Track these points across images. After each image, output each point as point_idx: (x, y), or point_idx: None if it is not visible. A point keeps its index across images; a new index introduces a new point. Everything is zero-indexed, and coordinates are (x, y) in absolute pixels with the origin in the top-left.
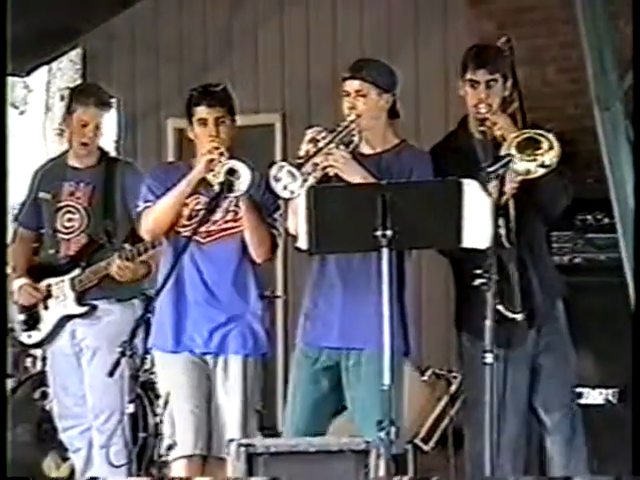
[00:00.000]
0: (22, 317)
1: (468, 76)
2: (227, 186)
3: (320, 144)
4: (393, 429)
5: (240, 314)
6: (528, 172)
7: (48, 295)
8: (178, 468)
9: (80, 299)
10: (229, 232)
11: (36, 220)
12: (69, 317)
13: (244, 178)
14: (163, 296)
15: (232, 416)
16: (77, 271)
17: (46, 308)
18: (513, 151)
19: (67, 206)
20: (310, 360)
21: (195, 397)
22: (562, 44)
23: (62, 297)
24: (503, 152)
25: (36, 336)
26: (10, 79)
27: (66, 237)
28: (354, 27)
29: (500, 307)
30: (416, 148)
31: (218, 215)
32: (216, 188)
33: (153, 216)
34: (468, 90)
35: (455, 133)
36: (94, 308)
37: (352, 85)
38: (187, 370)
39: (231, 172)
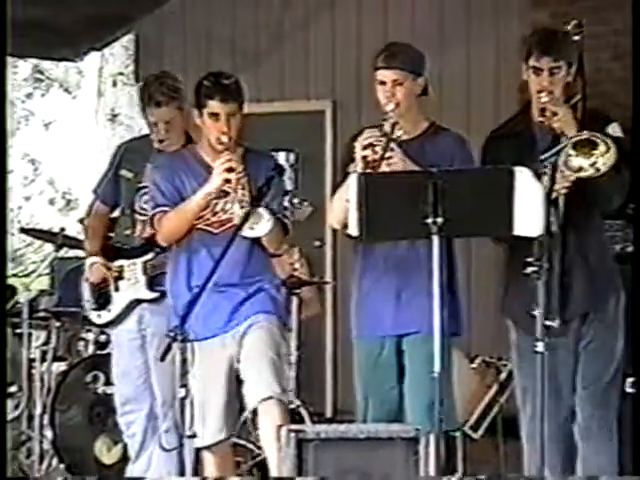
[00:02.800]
0: (92, 296)
1: (531, 62)
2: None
3: (378, 149)
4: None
5: (259, 288)
6: (580, 170)
7: (120, 276)
8: (206, 457)
9: (151, 284)
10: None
11: (114, 196)
12: (139, 301)
13: (263, 224)
14: (179, 286)
15: (264, 368)
16: (151, 255)
17: (117, 290)
18: (569, 150)
19: (147, 187)
20: (375, 351)
21: (219, 382)
22: (616, 31)
23: (134, 280)
24: (560, 145)
25: (105, 316)
26: (64, 64)
27: (143, 218)
28: (406, 18)
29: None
30: (452, 132)
31: (229, 204)
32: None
33: (169, 227)
34: (531, 76)
35: (515, 118)
36: (164, 295)
37: (388, 75)
38: (210, 355)
39: (253, 214)
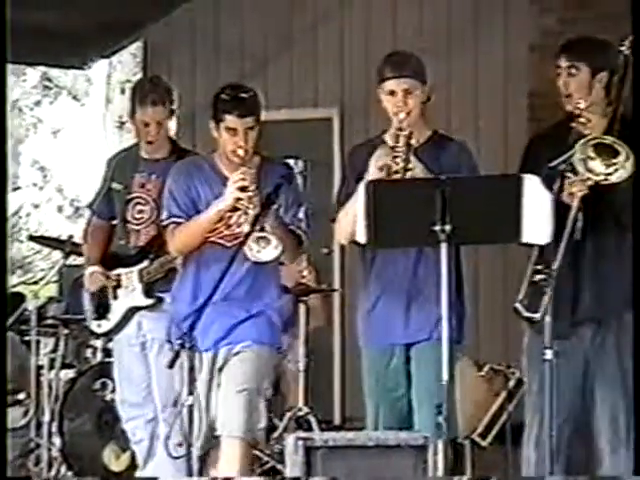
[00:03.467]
0: (92, 306)
1: (559, 63)
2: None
3: (400, 165)
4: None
5: (261, 310)
6: (598, 175)
7: (118, 285)
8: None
9: (147, 291)
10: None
11: (108, 210)
12: (136, 308)
13: (269, 250)
14: (186, 296)
15: (237, 403)
16: (145, 262)
17: (115, 298)
18: (590, 151)
19: (138, 197)
20: (385, 360)
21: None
22: (624, 38)
23: (130, 288)
24: (577, 149)
25: (105, 325)
26: (72, 72)
27: (136, 228)
28: (413, 22)
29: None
30: (457, 141)
31: (243, 218)
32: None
33: (182, 239)
34: (564, 77)
35: (559, 124)
36: (160, 301)
37: (399, 84)
38: (207, 367)
39: (260, 239)
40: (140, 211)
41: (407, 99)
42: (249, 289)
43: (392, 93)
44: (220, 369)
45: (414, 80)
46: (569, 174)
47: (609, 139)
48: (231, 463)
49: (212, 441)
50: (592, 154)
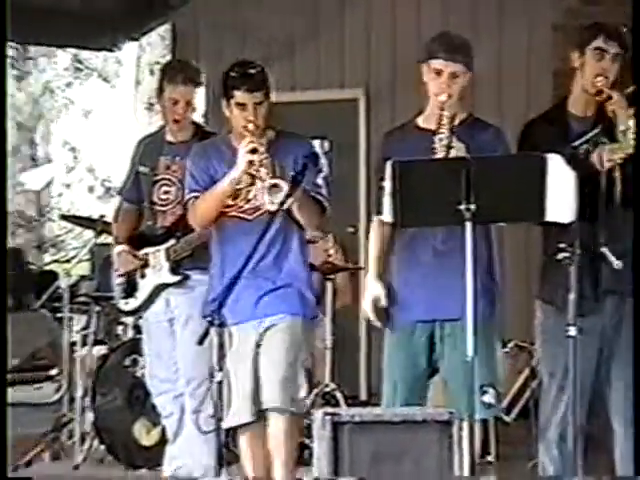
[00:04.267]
0: (121, 285)
1: (596, 44)
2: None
3: (444, 142)
4: (493, 392)
5: (288, 282)
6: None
7: (145, 264)
8: (240, 439)
9: (174, 269)
10: (265, 209)
11: (137, 194)
12: (164, 286)
13: (282, 194)
14: (217, 272)
15: (277, 373)
16: (172, 241)
17: (143, 277)
18: (631, 122)
19: (163, 179)
20: (405, 336)
21: (247, 368)
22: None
23: (158, 266)
24: (619, 124)
25: (133, 303)
26: (102, 54)
27: (162, 209)
28: (438, 5)
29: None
30: (492, 126)
31: (261, 191)
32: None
33: (200, 212)
34: (591, 61)
35: (552, 111)
36: (187, 278)
37: (448, 67)
38: (240, 341)
39: (273, 186)
40: (166, 192)
41: (452, 82)
42: (275, 261)
43: (439, 73)
44: (258, 344)
45: (462, 65)
46: (605, 142)
47: None
48: (278, 436)
49: (257, 415)
50: (632, 126)
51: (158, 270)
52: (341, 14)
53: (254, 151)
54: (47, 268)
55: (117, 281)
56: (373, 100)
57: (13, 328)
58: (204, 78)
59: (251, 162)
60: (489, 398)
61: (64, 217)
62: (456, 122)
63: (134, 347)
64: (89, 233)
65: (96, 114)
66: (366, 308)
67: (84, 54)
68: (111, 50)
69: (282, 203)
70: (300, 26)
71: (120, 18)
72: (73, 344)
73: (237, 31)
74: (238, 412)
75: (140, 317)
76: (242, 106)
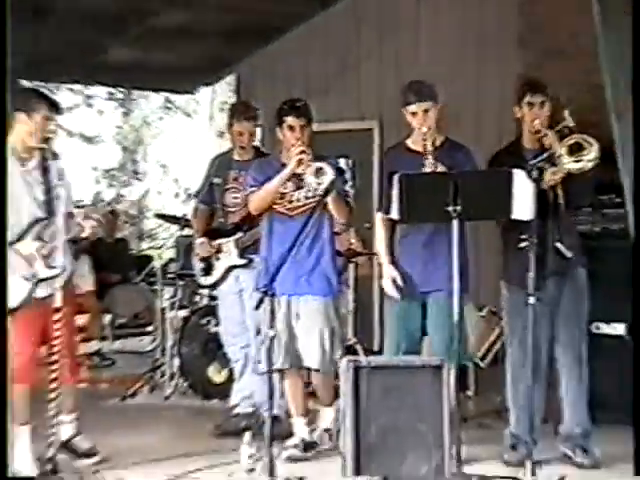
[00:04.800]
0: (201, 266)
1: (527, 99)
2: (313, 179)
3: (430, 159)
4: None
5: (320, 265)
6: (569, 170)
7: (219, 250)
8: (285, 380)
9: (241, 254)
10: (308, 207)
11: (210, 198)
12: (234, 267)
13: (328, 175)
14: (267, 255)
15: (316, 341)
16: (240, 234)
17: (218, 260)
18: (563, 151)
19: (232, 188)
20: (404, 303)
21: (285, 330)
22: (588, 70)
23: (229, 252)
24: (554, 151)
25: (210, 279)
26: (185, 96)
27: (232, 210)
28: (433, 59)
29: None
30: (462, 145)
31: (302, 194)
32: (307, 180)
33: (257, 200)
34: (526, 110)
35: (511, 145)
36: (251, 261)
37: (421, 106)
38: (281, 309)
39: (318, 169)
40: (234, 197)
41: (426, 116)
42: (309, 248)
43: (414, 114)
44: (297, 313)
45: (430, 102)
46: (548, 167)
47: (576, 137)
48: (317, 385)
49: (298, 365)
50: (564, 153)
51: (229, 255)
52: (358, 65)
53: (303, 152)
54: (145, 253)
55: (198, 264)
56: (384, 129)
57: (121, 296)
58: (261, 114)
59: (301, 160)
60: (456, 349)
61: (157, 216)
62: (437, 143)
63: (208, 311)
64: (175, 227)
65: (180, 140)
66: (386, 287)
67: (172, 96)
68: (192, 93)
69: (326, 191)
70: (329, 74)
71: (199, 70)
72: (164, 309)
73: (284, 77)
74: (279, 360)
75: (215, 289)
76: (292, 128)
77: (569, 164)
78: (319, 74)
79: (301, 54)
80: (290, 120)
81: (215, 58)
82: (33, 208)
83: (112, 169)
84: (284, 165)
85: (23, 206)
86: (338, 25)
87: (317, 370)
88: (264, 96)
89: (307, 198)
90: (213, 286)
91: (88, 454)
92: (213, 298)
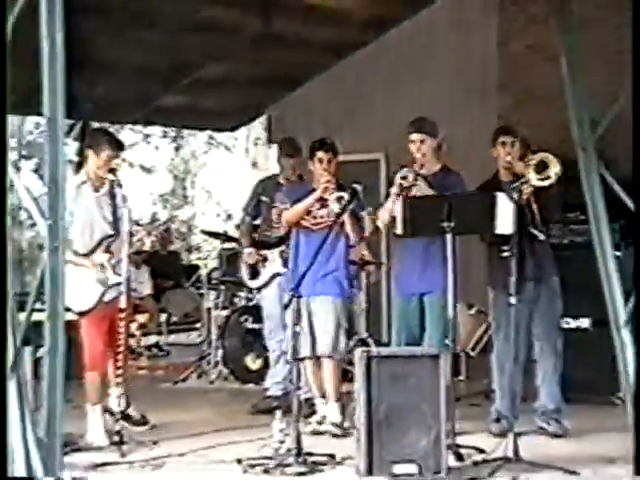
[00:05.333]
0: (248, 272)
1: (500, 139)
2: (335, 204)
3: (410, 179)
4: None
5: (335, 272)
6: (536, 185)
7: (265, 259)
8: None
9: (284, 263)
10: (328, 224)
11: (255, 212)
12: (277, 274)
13: (345, 199)
14: (294, 264)
15: (327, 332)
16: (283, 247)
17: (263, 267)
18: (531, 169)
19: (277, 206)
20: (406, 302)
21: (307, 324)
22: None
23: (274, 261)
24: (523, 174)
25: (257, 283)
26: (226, 133)
27: (277, 225)
28: (432, 101)
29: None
30: (455, 172)
31: (325, 213)
32: (330, 205)
33: (289, 216)
34: (500, 149)
35: (492, 179)
36: None
37: (417, 137)
38: (303, 305)
39: (339, 197)
40: (279, 215)
41: (421, 146)
42: (327, 257)
43: (413, 142)
44: (315, 311)
45: (425, 134)
46: (524, 188)
47: (540, 156)
48: (329, 372)
49: (312, 353)
50: (533, 172)
51: (273, 263)
52: (368, 106)
53: (329, 181)
54: (193, 263)
55: (246, 269)
56: (390, 160)
57: (174, 299)
58: (302, 150)
59: (327, 188)
60: (449, 341)
61: (203, 232)
62: (430, 170)
63: (245, 310)
64: (217, 242)
65: (221, 170)
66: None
67: (215, 134)
68: (231, 131)
69: (343, 210)
70: (344, 113)
71: (237, 112)
72: (209, 309)
73: (307, 117)
74: (302, 350)
75: (250, 292)
76: (320, 161)
77: (535, 180)
78: (335, 114)
79: (321, 97)
80: (319, 154)
81: (250, 102)
82: (104, 227)
83: (165, 194)
84: (314, 190)
85: (96, 225)
86: (351, 73)
87: (328, 357)
88: (291, 132)
89: (329, 216)
90: (259, 289)
91: (141, 422)
92: (249, 300)
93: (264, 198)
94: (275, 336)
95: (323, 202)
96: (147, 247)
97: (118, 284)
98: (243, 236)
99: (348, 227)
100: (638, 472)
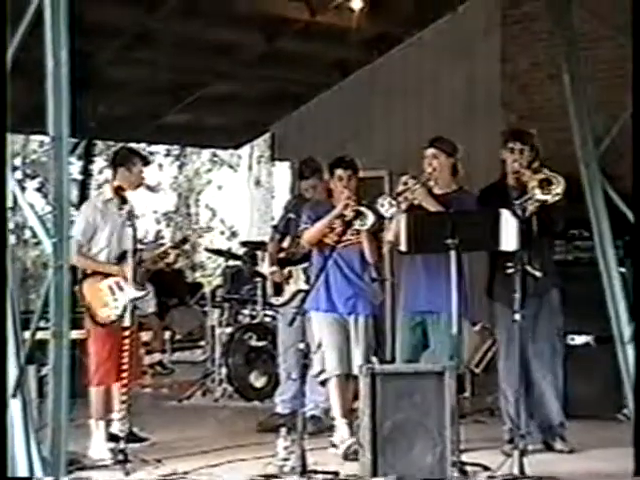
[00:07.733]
0: (273, 289)
1: (509, 145)
2: (357, 221)
3: (409, 184)
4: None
5: (363, 290)
6: (540, 200)
7: (289, 276)
8: (332, 383)
9: (308, 281)
10: (353, 242)
11: (284, 229)
12: (300, 291)
13: (368, 218)
14: (320, 279)
15: (360, 350)
16: (307, 264)
17: (287, 284)
18: (535, 183)
19: (304, 224)
20: (408, 320)
21: (338, 340)
22: (563, 128)
23: (297, 279)
24: (529, 189)
25: (280, 300)
26: (229, 151)
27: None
28: (434, 114)
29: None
30: (470, 192)
31: (348, 233)
32: (351, 221)
33: (310, 235)
34: (508, 154)
35: (497, 183)
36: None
37: (430, 151)
38: (333, 324)
39: (359, 213)
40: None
41: (433, 160)
42: (355, 274)
43: (426, 157)
44: (346, 327)
45: (440, 151)
46: (529, 204)
47: (545, 174)
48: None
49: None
50: (537, 187)
51: (297, 280)
52: (370, 124)
53: (349, 198)
54: (197, 281)
55: (270, 286)
56: (393, 177)
57: (178, 316)
58: (322, 169)
59: (347, 205)
60: (455, 362)
61: (207, 250)
62: (445, 189)
63: (249, 328)
64: (221, 259)
65: (225, 188)
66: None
67: (218, 152)
68: (235, 149)
69: (363, 226)
70: (347, 131)
71: (240, 130)
72: (213, 326)
73: (310, 135)
74: (333, 367)
75: (254, 309)
76: (340, 179)
77: (539, 196)
78: (339, 132)
79: (324, 116)
80: (339, 172)
81: (253, 120)
82: (128, 242)
83: (169, 212)
84: (334, 207)
85: (123, 239)
86: (354, 92)
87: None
88: (294, 150)
89: (351, 234)
90: (281, 306)
91: (141, 439)
92: (253, 318)
93: (292, 215)
94: (290, 352)
95: (344, 219)
96: (171, 260)
97: (142, 298)
98: (269, 253)
99: (365, 246)
100: (638, 473)
